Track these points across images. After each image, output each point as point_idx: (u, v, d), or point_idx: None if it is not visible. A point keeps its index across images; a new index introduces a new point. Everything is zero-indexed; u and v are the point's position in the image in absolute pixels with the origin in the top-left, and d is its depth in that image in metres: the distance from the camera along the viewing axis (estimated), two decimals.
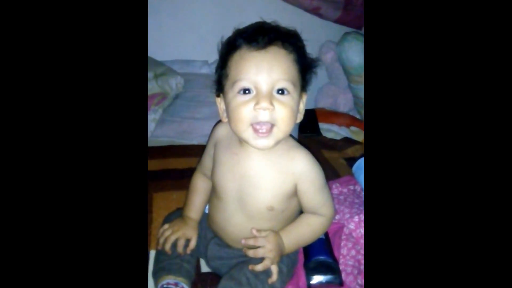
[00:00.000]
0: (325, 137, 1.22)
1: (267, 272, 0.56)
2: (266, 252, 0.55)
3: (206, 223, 0.66)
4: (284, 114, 0.51)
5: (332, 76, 1.52)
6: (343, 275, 0.61)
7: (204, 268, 0.66)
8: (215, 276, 0.63)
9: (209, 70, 1.37)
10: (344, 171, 0.98)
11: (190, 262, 0.62)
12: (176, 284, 0.57)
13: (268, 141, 0.52)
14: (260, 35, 0.52)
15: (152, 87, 1.18)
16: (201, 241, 0.65)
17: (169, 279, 0.57)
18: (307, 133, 1.21)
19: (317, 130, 1.25)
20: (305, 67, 0.56)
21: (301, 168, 0.57)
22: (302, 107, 0.57)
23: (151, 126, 1.14)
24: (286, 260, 0.60)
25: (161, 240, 0.63)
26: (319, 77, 1.74)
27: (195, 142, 1.10)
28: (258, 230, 0.57)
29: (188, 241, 0.63)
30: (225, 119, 0.57)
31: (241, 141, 0.57)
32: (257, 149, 0.54)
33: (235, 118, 0.52)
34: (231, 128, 0.55)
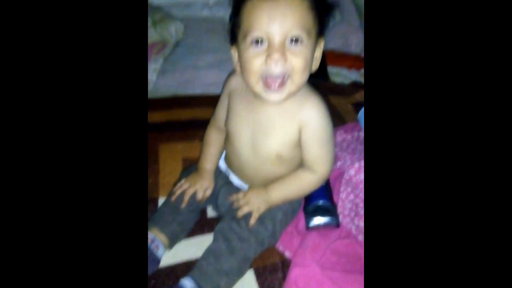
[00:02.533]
0: (333, 82, 1.18)
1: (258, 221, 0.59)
2: (250, 208, 0.59)
3: (216, 173, 0.69)
4: (298, 66, 0.51)
5: (344, 14, 1.41)
6: (341, 217, 0.63)
7: (210, 214, 0.69)
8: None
9: (210, 13, 1.30)
10: (350, 117, 0.96)
11: (186, 220, 0.64)
12: (152, 241, 0.59)
13: (280, 95, 0.52)
14: None
15: (151, 35, 1.13)
16: (213, 188, 0.67)
17: (150, 234, 0.60)
18: (315, 78, 1.16)
19: (325, 75, 1.20)
20: (322, 12, 0.53)
21: (308, 115, 0.56)
22: (318, 54, 0.56)
23: (152, 76, 1.12)
24: (284, 207, 0.62)
25: (178, 192, 0.65)
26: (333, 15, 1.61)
27: (198, 91, 1.08)
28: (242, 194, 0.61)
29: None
30: (238, 70, 0.57)
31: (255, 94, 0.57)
32: (269, 103, 0.54)
33: (247, 70, 0.52)
34: (244, 80, 0.55)
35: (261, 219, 0.59)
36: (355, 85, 1.14)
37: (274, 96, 0.52)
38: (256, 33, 0.49)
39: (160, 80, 1.12)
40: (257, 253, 0.58)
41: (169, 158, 0.82)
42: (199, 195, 0.65)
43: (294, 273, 0.54)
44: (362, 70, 1.20)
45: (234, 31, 0.54)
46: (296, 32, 0.49)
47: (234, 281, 0.55)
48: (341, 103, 1.05)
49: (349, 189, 0.65)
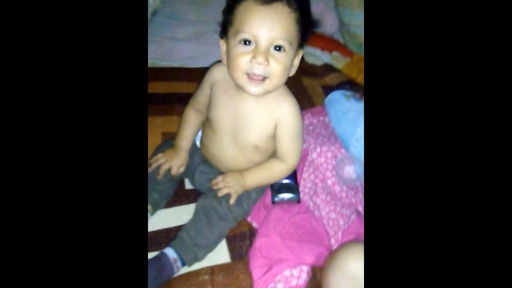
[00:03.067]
0: (306, 63, 1.23)
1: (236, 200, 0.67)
2: (229, 190, 0.66)
3: (193, 149, 0.75)
4: (277, 70, 0.56)
5: None
6: (301, 195, 0.73)
7: (188, 186, 0.76)
8: (197, 192, 0.74)
9: None
10: (319, 99, 1.03)
11: (164, 189, 0.71)
12: None
13: (258, 89, 0.58)
14: None
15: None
16: (189, 165, 0.74)
17: None
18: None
19: None
20: (306, 26, 0.59)
21: (284, 114, 0.64)
22: (296, 62, 0.62)
23: None
24: (258, 188, 0.71)
25: (154, 165, 0.71)
26: None
27: (175, 64, 1.10)
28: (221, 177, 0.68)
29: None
30: (225, 61, 0.61)
31: (237, 86, 0.62)
32: (249, 94, 0.60)
33: (233, 65, 0.57)
34: (228, 72, 0.60)
35: (239, 199, 0.67)
36: (326, 68, 1.20)
37: (253, 89, 0.58)
38: (245, 35, 0.55)
39: None
40: (232, 228, 0.67)
41: (149, 132, 0.85)
42: (173, 171, 0.71)
43: (258, 242, 0.63)
44: (334, 53, 1.26)
45: (226, 26, 0.59)
46: (281, 41, 0.55)
47: (210, 252, 0.64)
48: (312, 85, 1.12)
49: (310, 170, 0.75)
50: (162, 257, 0.60)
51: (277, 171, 0.69)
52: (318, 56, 1.26)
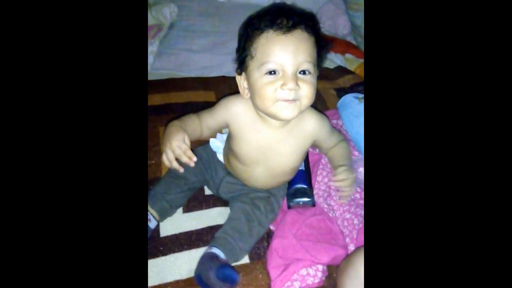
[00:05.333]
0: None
1: (269, 205, 0.70)
2: (350, 192, 0.67)
3: (215, 162, 0.75)
4: (307, 91, 0.58)
5: None
6: (316, 197, 0.75)
7: (207, 191, 0.79)
8: (216, 198, 0.77)
9: None
10: (332, 102, 1.05)
11: (175, 198, 0.71)
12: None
13: (292, 111, 0.58)
14: (283, 19, 0.56)
15: (147, 19, 1.17)
16: (212, 178, 0.74)
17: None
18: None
19: None
20: (321, 48, 0.61)
21: (313, 126, 0.66)
22: (316, 82, 0.63)
23: (149, 58, 1.18)
24: (284, 193, 0.74)
25: (167, 164, 0.59)
26: None
27: (192, 74, 1.15)
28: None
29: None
30: (246, 96, 0.62)
31: (262, 118, 0.63)
32: (282, 120, 0.60)
33: (262, 95, 0.57)
34: (256, 104, 0.60)
35: (272, 207, 0.70)
36: (339, 70, 1.21)
37: (287, 113, 0.58)
38: (271, 65, 0.56)
39: (157, 62, 1.18)
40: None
41: None
42: (186, 157, 0.58)
43: (275, 243, 0.66)
44: (347, 55, 1.27)
45: (244, 60, 0.60)
46: (307, 65, 0.57)
47: (246, 254, 0.67)
48: (325, 88, 1.13)
49: (324, 173, 0.77)
50: (215, 256, 0.61)
51: (347, 150, 0.72)
52: (331, 59, 1.27)
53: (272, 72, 0.57)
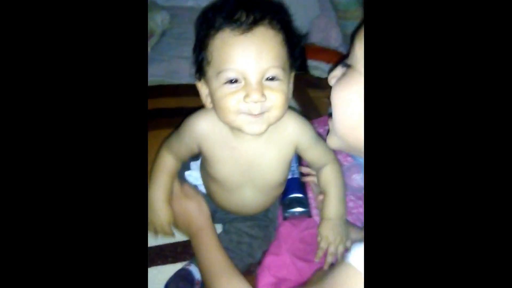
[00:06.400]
0: (312, 75, 1.26)
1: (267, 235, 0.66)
2: (335, 249, 0.60)
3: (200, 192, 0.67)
4: (277, 101, 0.48)
5: (323, 8, 1.47)
6: (311, 207, 0.72)
7: None
8: None
9: (195, 3, 1.34)
10: (325, 110, 1.05)
11: None
12: None
13: (260, 127, 0.49)
14: (242, 13, 0.46)
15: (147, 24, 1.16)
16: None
17: None
18: (296, 70, 1.24)
19: (305, 68, 1.28)
20: (293, 45, 0.51)
21: (294, 129, 0.56)
22: (291, 87, 0.53)
23: None
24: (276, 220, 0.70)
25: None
26: (311, 9, 1.66)
27: (183, 81, 1.13)
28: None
29: None
30: (209, 105, 0.53)
31: (234, 131, 0.54)
32: (251, 135, 0.51)
33: (223, 109, 0.48)
34: (218, 116, 0.51)
35: (269, 237, 0.66)
36: None
37: (254, 128, 0.49)
38: (230, 73, 0.46)
39: (148, 69, 1.16)
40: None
41: (156, 144, 0.88)
42: (164, 230, 0.62)
43: (268, 261, 0.64)
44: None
45: (202, 67, 0.50)
46: (274, 71, 0.47)
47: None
48: (318, 97, 1.14)
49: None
50: (188, 274, 0.58)
51: (339, 175, 0.62)
52: (323, 69, 1.28)
53: (233, 81, 0.47)
